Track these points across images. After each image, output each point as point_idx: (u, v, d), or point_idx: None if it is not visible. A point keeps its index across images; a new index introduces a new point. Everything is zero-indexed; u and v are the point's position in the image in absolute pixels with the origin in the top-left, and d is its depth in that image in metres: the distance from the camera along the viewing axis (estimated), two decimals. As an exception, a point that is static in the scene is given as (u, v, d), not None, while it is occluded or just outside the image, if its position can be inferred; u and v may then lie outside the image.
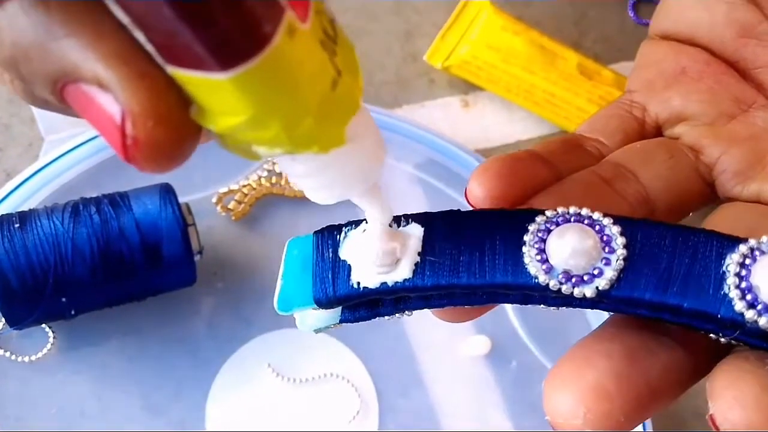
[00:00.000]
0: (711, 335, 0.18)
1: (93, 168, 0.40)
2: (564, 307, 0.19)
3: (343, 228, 0.20)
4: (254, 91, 0.14)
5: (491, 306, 0.20)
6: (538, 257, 0.18)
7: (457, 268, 0.19)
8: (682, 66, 0.25)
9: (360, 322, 0.20)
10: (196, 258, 0.36)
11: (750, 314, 0.17)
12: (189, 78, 0.14)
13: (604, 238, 0.18)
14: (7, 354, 0.37)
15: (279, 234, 0.41)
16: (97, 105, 0.15)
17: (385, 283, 0.19)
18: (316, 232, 0.20)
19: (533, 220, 0.19)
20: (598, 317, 0.39)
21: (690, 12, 0.26)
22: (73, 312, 0.35)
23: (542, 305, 0.19)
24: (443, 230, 0.19)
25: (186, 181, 0.40)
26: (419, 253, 0.19)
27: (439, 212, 0.20)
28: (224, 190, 0.41)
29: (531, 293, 0.19)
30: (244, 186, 0.41)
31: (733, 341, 0.18)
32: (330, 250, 0.20)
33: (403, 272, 0.19)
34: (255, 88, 0.14)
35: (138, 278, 0.35)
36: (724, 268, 0.17)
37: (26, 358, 0.37)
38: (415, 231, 0.19)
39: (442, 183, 0.43)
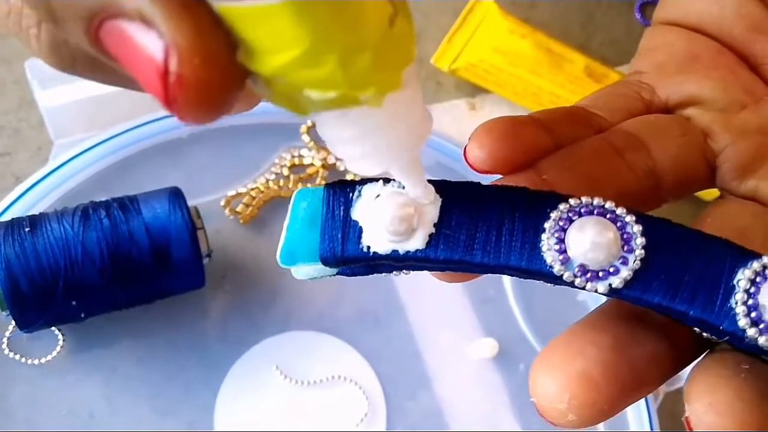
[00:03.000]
0: (696, 329, 0.18)
1: (102, 171, 0.40)
2: (563, 286, 0.19)
3: (357, 186, 0.19)
4: (311, 18, 0.13)
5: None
6: (557, 247, 0.18)
7: (471, 245, 0.18)
8: (695, 52, 0.25)
9: (358, 277, 0.20)
10: (205, 261, 0.37)
11: (751, 332, 0.17)
12: (239, 10, 0.13)
13: (624, 235, 0.18)
14: (17, 357, 0.37)
15: (287, 237, 0.41)
16: (136, 44, 0.14)
17: (396, 251, 0.18)
18: (327, 186, 0.19)
19: (556, 207, 0.18)
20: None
21: (699, 4, 0.25)
22: (82, 315, 0.35)
23: (541, 281, 0.19)
24: (461, 202, 0.19)
25: (194, 184, 0.40)
26: (434, 224, 0.18)
27: (459, 182, 0.19)
28: (232, 193, 0.41)
29: (541, 279, 0.18)
30: (252, 189, 0.41)
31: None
32: (342, 208, 0.19)
33: (416, 242, 0.18)
34: (312, 14, 0.13)
35: (147, 281, 0.35)
36: (734, 281, 0.18)
37: (36, 361, 0.37)
38: (434, 200, 0.19)
39: (449, 186, 0.43)
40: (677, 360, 0.19)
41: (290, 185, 0.42)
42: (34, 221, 0.35)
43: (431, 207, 0.19)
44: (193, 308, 0.39)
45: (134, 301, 0.36)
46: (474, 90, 0.47)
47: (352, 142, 0.16)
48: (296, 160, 0.43)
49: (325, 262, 0.19)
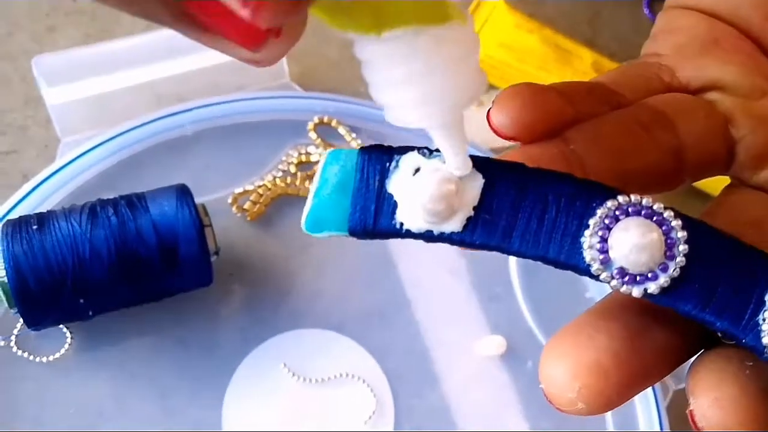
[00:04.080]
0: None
1: (109, 169, 0.40)
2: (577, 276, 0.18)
3: (395, 155, 0.18)
4: None
5: None
6: (599, 246, 0.17)
7: (510, 232, 0.18)
8: (716, 36, 0.24)
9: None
10: (213, 259, 0.37)
11: None
12: None
13: (668, 241, 0.17)
14: (25, 354, 0.37)
15: (294, 234, 0.41)
16: None
17: (431, 231, 0.18)
18: (362, 151, 0.18)
19: (603, 204, 0.18)
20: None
21: None
22: (90, 313, 0.35)
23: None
24: (505, 185, 0.18)
25: (201, 181, 0.40)
26: (474, 207, 0.18)
27: (503, 162, 0.18)
28: (239, 190, 0.41)
29: (574, 272, 0.18)
30: (260, 186, 0.41)
31: None
32: (377, 178, 0.18)
33: (453, 225, 0.18)
34: None
35: (155, 279, 0.35)
36: (766, 297, 0.17)
37: (44, 359, 0.37)
38: (475, 180, 0.18)
39: (456, 182, 0.43)
40: (684, 351, 0.19)
41: (297, 183, 0.42)
42: (42, 219, 0.35)
43: (472, 187, 0.18)
44: (201, 306, 0.39)
45: (142, 298, 0.36)
46: (481, 86, 0.47)
47: (402, 85, 0.16)
48: (303, 158, 0.43)
49: (354, 233, 0.18)
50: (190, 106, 0.42)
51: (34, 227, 0.34)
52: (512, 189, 0.18)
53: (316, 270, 0.41)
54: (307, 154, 0.43)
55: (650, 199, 0.18)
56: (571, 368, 0.18)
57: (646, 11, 0.51)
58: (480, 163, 0.18)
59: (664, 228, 0.18)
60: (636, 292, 0.17)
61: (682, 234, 0.17)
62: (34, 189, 0.39)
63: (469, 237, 0.18)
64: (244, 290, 0.40)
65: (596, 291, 0.41)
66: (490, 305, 0.41)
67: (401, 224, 0.18)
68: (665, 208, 0.18)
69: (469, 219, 0.18)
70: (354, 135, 0.43)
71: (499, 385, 0.40)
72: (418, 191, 0.18)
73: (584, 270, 0.18)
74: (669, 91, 0.24)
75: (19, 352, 0.37)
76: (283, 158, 0.43)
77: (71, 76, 0.41)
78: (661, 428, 0.39)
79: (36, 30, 0.45)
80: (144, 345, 0.38)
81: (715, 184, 0.46)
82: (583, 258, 0.17)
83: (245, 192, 0.41)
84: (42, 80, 0.40)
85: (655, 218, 0.18)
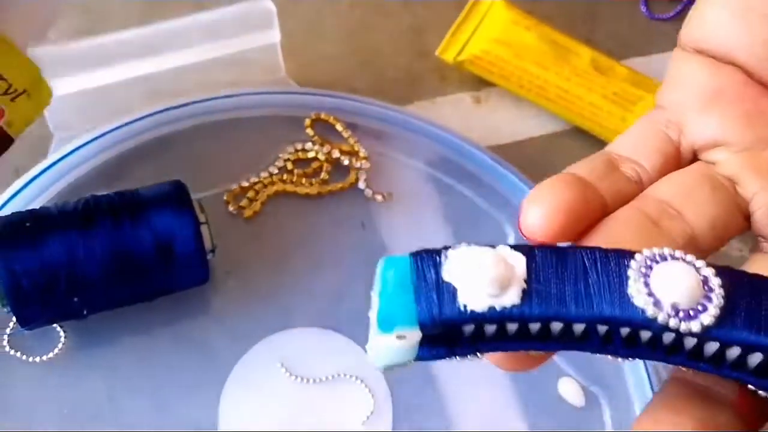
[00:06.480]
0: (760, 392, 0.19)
1: (103, 165, 0.40)
2: (634, 358, 0.20)
3: (442, 251, 0.20)
4: None
5: (553, 353, 0.21)
6: (646, 290, 0.19)
7: (563, 299, 0.19)
8: (719, 86, 0.25)
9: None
10: (209, 257, 0.36)
11: None
12: None
13: (701, 278, 0.19)
14: (18, 354, 0.36)
15: (291, 232, 0.41)
16: None
17: (494, 307, 0.19)
18: (413, 254, 0.20)
19: (633, 257, 0.19)
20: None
21: (727, 27, 0.25)
22: (84, 312, 0.35)
23: (612, 356, 0.20)
24: (544, 261, 0.19)
25: (197, 178, 0.39)
26: (525, 280, 0.19)
27: (534, 245, 0.20)
28: (235, 187, 0.41)
29: (634, 329, 0.19)
30: (256, 183, 0.41)
31: None
32: (432, 271, 0.19)
33: (511, 298, 0.19)
34: None
35: (150, 277, 0.35)
36: None
37: (37, 358, 0.36)
38: (519, 258, 0.19)
39: (453, 180, 0.43)
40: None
41: (294, 179, 0.41)
42: (35, 215, 0.34)
43: (520, 264, 0.19)
44: (197, 305, 0.38)
45: (137, 297, 0.36)
46: (479, 83, 0.47)
47: None
48: (300, 154, 0.42)
49: (424, 325, 0.19)
50: (186, 101, 0.41)
51: (27, 224, 0.33)
52: (551, 262, 0.19)
53: (313, 268, 0.40)
54: (304, 150, 0.42)
55: (671, 249, 0.19)
56: None
57: (642, 8, 0.51)
58: (517, 248, 0.20)
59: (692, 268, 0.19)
60: (695, 326, 0.18)
61: (709, 270, 0.19)
62: (26, 185, 0.38)
63: (528, 308, 0.19)
64: (240, 288, 0.39)
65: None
66: (488, 304, 0.41)
67: (465, 306, 0.19)
68: (686, 253, 0.19)
69: (524, 291, 0.19)
70: (350, 132, 0.43)
71: (498, 385, 0.40)
72: (474, 272, 0.19)
73: (641, 319, 0.18)
74: (678, 150, 0.25)
75: (12, 352, 0.36)
76: (280, 155, 0.42)
77: (64, 70, 0.40)
78: None
79: (27, 23, 0.44)
80: (139, 344, 0.38)
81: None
82: (636, 306, 0.19)
83: (241, 189, 0.41)
84: (34, 74, 0.40)
85: (680, 261, 0.19)
